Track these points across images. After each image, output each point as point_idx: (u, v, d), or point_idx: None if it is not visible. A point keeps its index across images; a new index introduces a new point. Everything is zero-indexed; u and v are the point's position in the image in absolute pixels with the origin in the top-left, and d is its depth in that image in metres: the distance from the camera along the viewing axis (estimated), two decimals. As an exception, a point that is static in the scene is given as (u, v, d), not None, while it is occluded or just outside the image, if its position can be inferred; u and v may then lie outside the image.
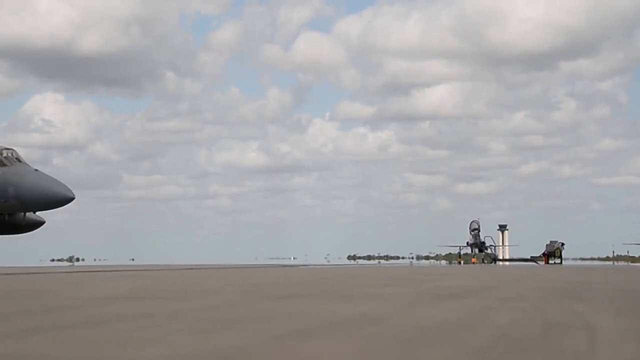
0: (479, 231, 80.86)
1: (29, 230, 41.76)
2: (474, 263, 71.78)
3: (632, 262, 75.03)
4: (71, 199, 34.72)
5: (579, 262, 69.18)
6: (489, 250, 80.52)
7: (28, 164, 36.92)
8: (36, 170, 35.79)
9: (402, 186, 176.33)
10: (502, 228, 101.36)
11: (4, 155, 36.72)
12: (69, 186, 35.09)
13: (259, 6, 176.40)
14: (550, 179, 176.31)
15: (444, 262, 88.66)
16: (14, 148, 37.24)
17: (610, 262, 79.27)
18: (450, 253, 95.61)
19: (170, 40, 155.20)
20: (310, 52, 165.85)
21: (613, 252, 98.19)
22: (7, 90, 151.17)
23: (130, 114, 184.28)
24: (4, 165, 36.14)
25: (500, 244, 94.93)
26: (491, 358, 3.42)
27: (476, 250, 79.99)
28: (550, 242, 73.07)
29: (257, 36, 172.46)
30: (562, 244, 71.90)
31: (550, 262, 68.23)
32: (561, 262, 67.65)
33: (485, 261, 76.37)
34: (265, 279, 13.37)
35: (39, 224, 41.27)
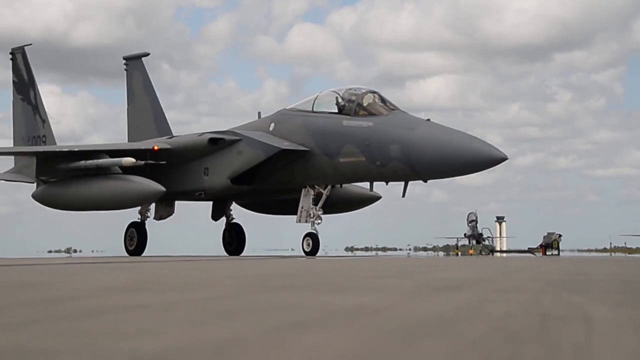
0: (477, 223, 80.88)
1: (358, 208, 31.69)
2: (471, 254, 71.84)
3: (629, 254, 75.10)
4: (503, 160, 24.14)
5: (576, 254, 69.29)
6: (486, 242, 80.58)
7: (405, 110, 25.81)
8: (428, 119, 25.10)
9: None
10: (500, 220, 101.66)
11: (370, 100, 25.71)
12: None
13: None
14: (547, 171, 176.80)
15: (441, 253, 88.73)
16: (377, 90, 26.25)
17: (608, 254, 79.33)
18: (447, 245, 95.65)
19: (166, 32, 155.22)
20: (304, 43, 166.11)
21: (610, 243, 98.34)
22: (3, 82, 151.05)
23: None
24: (372, 114, 25.22)
25: (498, 235, 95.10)
26: (488, 349, 3.42)
27: (474, 242, 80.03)
28: (548, 233, 73.12)
29: (252, 28, 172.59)
30: (560, 236, 71.92)
31: (547, 253, 68.29)
32: (559, 254, 67.71)
33: (483, 253, 76.44)
34: (262, 270, 13.38)
35: (373, 199, 31.07)
